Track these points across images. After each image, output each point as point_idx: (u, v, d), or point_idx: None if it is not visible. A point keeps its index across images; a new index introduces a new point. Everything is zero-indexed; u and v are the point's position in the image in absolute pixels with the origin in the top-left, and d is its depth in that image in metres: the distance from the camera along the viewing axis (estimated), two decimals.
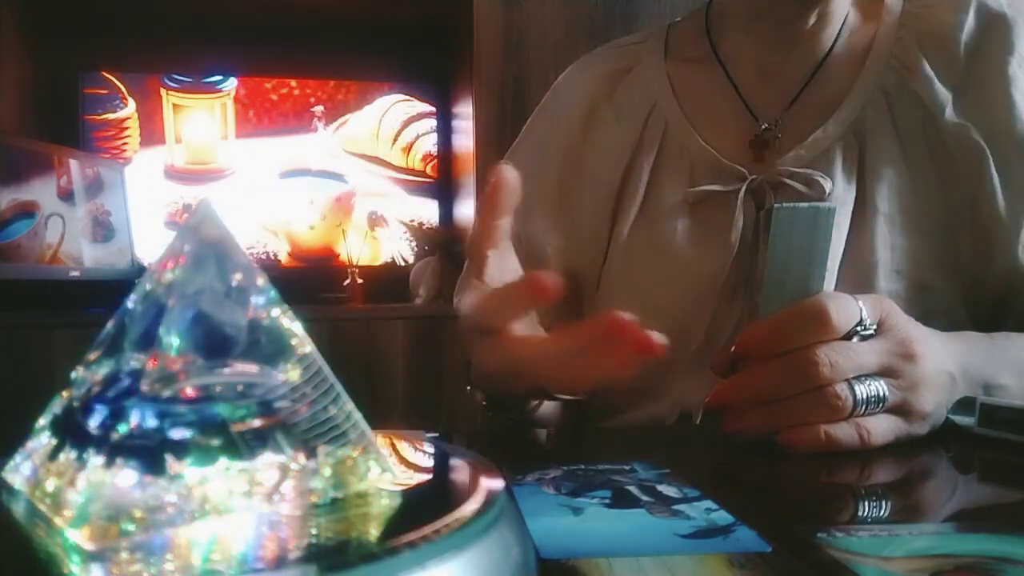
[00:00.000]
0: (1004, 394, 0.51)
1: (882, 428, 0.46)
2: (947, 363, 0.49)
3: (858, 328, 0.46)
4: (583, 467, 0.40)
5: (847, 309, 0.46)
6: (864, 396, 0.45)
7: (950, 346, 0.50)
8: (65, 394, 0.28)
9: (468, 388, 0.55)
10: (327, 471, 0.28)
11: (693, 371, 0.63)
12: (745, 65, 0.68)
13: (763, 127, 0.65)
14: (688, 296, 0.64)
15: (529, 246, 0.72)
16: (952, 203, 0.61)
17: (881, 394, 0.45)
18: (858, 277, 0.60)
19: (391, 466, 0.29)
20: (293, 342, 0.28)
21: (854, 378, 0.45)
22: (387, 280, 2.11)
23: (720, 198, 0.64)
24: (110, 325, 0.29)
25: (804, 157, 0.63)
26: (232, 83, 2.06)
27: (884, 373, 0.46)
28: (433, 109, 2.18)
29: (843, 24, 0.66)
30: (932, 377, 0.47)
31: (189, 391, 0.26)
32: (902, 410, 0.46)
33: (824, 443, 0.44)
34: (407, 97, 2.17)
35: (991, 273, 0.61)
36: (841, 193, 0.61)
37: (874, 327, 0.47)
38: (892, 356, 0.46)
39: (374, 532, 0.26)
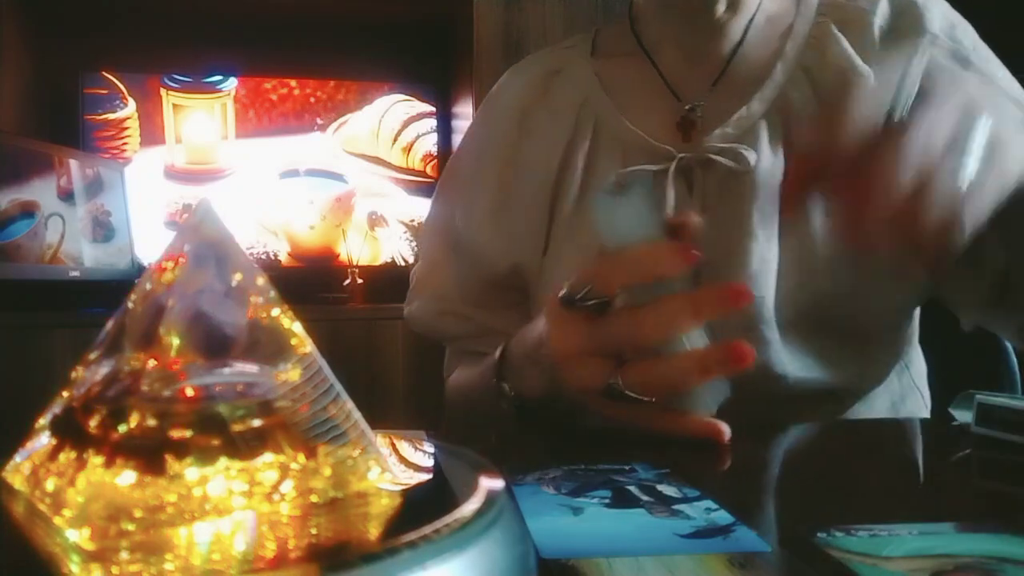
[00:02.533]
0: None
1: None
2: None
3: None
4: (583, 467, 0.40)
5: None
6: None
7: None
8: (65, 394, 0.28)
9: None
10: (327, 471, 0.28)
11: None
12: (669, 52, 0.71)
13: (687, 108, 0.68)
14: None
15: (473, 252, 0.74)
16: None
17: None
18: (800, 244, 0.61)
19: (391, 466, 0.29)
20: (293, 342, 0.28)
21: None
22: (387, 280, 2.11)
23: (651, 178, 0.66)
24: (110, 325, 0.29)
25: (730, 135, 0.65)
26: (232, 83, 2.06)
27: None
28: (433, 109, 2.18)
29: (757, 11, 0.68)
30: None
31: (189, 391, 0.26)
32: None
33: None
34: (407, 97, 2.17)
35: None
36: (769, 167, 0.63)
37: None
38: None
39: (374, 532, 0.26)
